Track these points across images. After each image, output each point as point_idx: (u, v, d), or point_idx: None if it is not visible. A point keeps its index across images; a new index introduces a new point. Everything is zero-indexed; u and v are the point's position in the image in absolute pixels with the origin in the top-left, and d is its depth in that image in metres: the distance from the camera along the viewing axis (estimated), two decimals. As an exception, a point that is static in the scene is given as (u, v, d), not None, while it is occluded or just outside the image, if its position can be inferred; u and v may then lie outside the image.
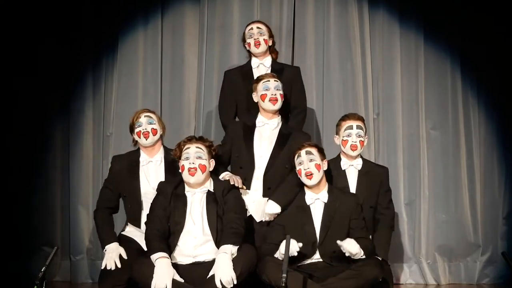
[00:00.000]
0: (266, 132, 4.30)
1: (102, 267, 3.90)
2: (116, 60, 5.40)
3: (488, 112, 5.39)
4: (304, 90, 4.73)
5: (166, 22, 5.46)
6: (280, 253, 3.80)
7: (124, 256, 3.91)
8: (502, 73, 5.34)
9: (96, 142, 5.38)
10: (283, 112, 4.48)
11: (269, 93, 4.25)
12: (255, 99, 4.35)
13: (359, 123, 4.27)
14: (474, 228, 5.26)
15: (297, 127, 4.55)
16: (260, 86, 4.29)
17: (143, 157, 4.23)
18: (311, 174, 3.97)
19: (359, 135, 4.24)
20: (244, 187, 4.15)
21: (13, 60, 5.28)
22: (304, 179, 3.99)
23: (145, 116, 4.21)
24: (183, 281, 3.64)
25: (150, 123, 4.20)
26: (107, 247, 3.97)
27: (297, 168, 4.02)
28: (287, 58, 5.37)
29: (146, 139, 4.17)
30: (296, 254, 3.76)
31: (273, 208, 4.07)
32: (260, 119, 4.33)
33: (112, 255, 3.90)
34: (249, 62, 4.71)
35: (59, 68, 5.36)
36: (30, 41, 5.32)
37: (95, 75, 5.41)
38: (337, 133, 4.32)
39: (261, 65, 4.65)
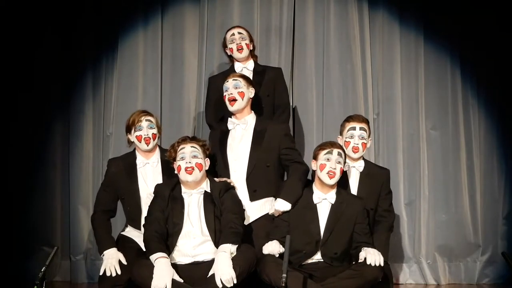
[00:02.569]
0: (238, 133, 4.24)
1: (101, 273, 3.86)
2: (116, 60, 5.41)
3: (488, 112, 5.40)
4: (287, 89, 4.78)
5: (166, 22, 5.46)
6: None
7: (124, 261, 3.89)
8: (502, 73, 5.34)
9: (96, 142, 5.38)
10: (268, 110, 4.52)
11: (227, 93, 4.22)
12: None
13: (363, 125, 4.25)
14: (474, 228, 5.27)
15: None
16: (223, 88, 4.27)
17: (140, 159, 4.20)
18: (334, 175, 3.95)
19: (362, 137, 4.22)
20: (233, 183, 4.12)
21: (13, 61, 5.28)
22: (323, 176, 3.96)
23: (146, 120, 4.17)
24: (182, 281, 3.65)
25: (151, 128, 4.16)
26: (105, 252, 3.94)
27: (322, 161, 3.95)
28: (287, 58, 5.37)
29: (148, 145, 4.15)
30: (277, 255, 3.79)
31: (283, 205, 4.02)
32: (231, 121, 4.28)
33: (112, 261, 3.87)
34: (232, 67, 4.70)
35: (59, 68, 5.37)
36: (30, 41, 5.32)
37: (95, 75, 5.42)
38: (341, 133, 4.31)
39: (244, 69, 4.64)
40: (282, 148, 4.19)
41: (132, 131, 4.18)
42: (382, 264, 3.74)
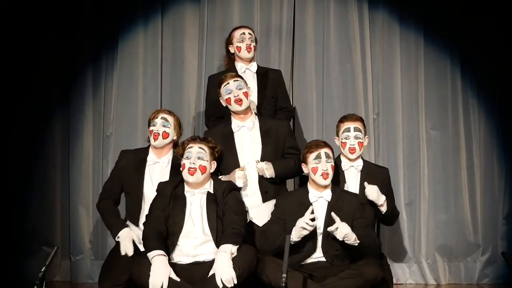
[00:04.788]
0: (245, 136, 4.25)
1: (123, 253, 3.90)
2: (116, 60, 5.40)
3: (488, 112, 5.40)
4: (287, 92, 4.85)
5: (166, 23, 5.45)
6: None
7: (136, 240, 3.95)
8: (502, 73, 5.34)
9: (96, 142, 5.38)
10: (271, 112, 4.53)
11: (231, 95, 4.20)
12: (223, 104, 4.30)
13: (357, 124, 4.25)
14: (474, 228, 5.27)
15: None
16: (223, 91, 4.25)
17: (151, 156, 4.22)
18: (328, 175, 3.97)
19: (357, 137, 4.22)
20: (244, 166, 4.15)
21: (13, 61, 5.28)
22: (318, 178, 3.97)
23: (161, 118, 4.20)
24: (179, 279, 3.65)
25: (164, 126, 4.18)
26: (119, 234, 3.97)
27: (312, 165, 3.98)
28: (287, 58, 5.37)
29: (155, 140, 4.17)
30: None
31: (269, 170, 4.13)
32: (235, 123, 4.27)
33: (125, 242, 3.92)
34: (233, 67, 4.69)
35: (59, 68, 5.36)
36: (30, 41, 5.32)
37: (95, 75, 5.41)
38: (337, 134, 4.31)
39: (247, 70, 4.64)
40: (286, 147, 4.26)
41: (150, 126, 4.22)
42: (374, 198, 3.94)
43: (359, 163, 4.29)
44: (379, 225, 4.53)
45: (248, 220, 4.13)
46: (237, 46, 4.65)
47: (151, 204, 3.96)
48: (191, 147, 3.92)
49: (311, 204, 3.99)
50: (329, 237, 3.92)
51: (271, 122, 4.33)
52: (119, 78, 5.39)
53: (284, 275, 3.33)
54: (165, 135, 4.17)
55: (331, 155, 4.01)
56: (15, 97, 5.29)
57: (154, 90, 5.40)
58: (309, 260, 3.93)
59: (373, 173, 4.29)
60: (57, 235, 5.29)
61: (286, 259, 3.45)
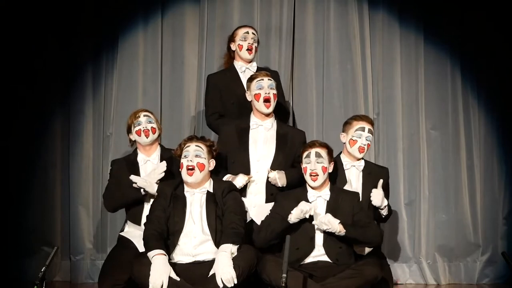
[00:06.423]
0: (261, 134, 4.25)
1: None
2: (116, 60, 5.40)
3: (488, 112, 5.40)
4: (282, 91, 4.86)
5: (166, 22, 5.45)
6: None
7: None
8: (502, 73, 5.34)
9: (96, 142, 5.37)
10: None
11: (262, 92, 4.20)
12: (249, 98, 4.30)
13: (371, 127, 4.27)
14: (474, 228, 5.27)
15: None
16: (254, 84, 4.24)
17: (141, 157, 4.28)
18: (316, 176, 3.96)
19: (368, 139, 4.24)
20: (251, 176, 4.14)
21: (14, 61, 5.28)
22: (308, 178, 3.98)
23: (144, 116, 4.29)
24: (179, 279, 3.65)
25: (150, 122, 4.27)
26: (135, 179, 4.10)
27: (304, 165, 3.99)
28: (287, 58, 5.37)
29: (147, 137, 4.23)
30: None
31: (281, 179, 4.12)
32: (254, 121, 4.27)
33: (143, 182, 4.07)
34: (233, 67, 4.69)
35: (59, 68, 5.36)
36: (30, 41, 5.32)
37: (95, 75, 5.41)
38: (345, 131, 4.29)
39: (247, 70, 4.64)
40: (297, 156, 4.22)
41: (132, 128, 4.24)
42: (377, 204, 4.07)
43: (361, 163, 4.29)
44: (378, 224, 4.52)
45: (250, 219, 4.12)
46: (239, 44, 4.65)
47: (151, 205, 3.98)
48: (188, 146, 3.94)
49: (310, 203, 3.98)
50: (330, 236, 3.91)
51: (288, 128, 4.36)
52: (119, 78, 5.39)
53: (284, 275, 3.33)
54: (154, 130, 4.27)
55: (323, 155, 3.98)
56: (15, 97, 5.29)
57: (154, 90, 5.40)
58: (309, 260, 3.93)
59: (374, 172, 4.30)
60: (57, 235, 5.28)
61: (286, 259, 3.45)
